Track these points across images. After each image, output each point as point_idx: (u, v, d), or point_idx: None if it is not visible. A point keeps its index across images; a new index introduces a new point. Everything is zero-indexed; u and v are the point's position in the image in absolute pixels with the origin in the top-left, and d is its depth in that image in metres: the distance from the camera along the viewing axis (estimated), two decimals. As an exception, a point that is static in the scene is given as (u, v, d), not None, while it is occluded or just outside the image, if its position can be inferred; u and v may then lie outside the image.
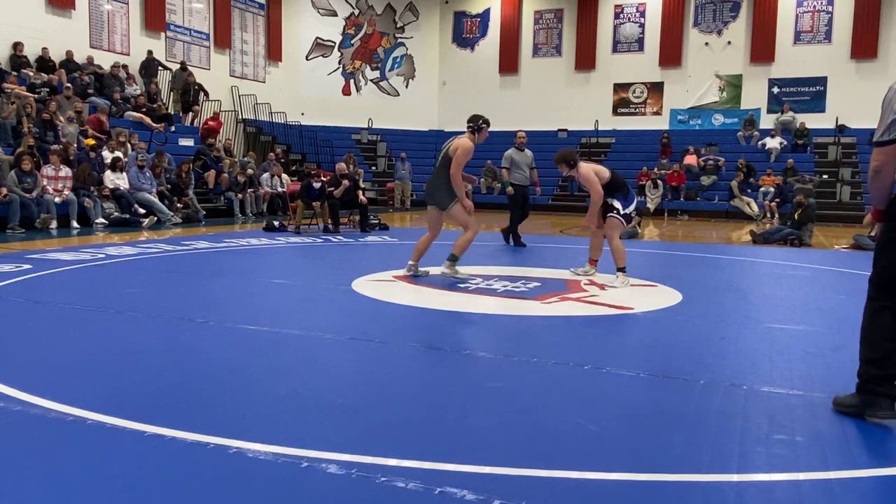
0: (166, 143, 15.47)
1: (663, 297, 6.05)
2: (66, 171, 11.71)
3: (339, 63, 24.25)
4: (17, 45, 14.56)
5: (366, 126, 23.61)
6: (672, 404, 3.19)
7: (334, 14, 24.04)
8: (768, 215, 16.84)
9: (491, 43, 24.11)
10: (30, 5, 15.21)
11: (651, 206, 18.69)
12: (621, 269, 6.68)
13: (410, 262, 6.90)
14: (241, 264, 7.82)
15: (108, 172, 12.60)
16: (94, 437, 2.64)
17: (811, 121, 20.40)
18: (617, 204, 6.81)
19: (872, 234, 6.81)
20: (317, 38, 23.83)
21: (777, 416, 3.02)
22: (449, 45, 24.82)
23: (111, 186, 12.35)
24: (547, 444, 2.68)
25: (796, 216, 11.57)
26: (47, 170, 11.52)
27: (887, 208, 2.99)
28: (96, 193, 12.01)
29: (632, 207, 6.93)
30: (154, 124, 15.87)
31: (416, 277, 6.76)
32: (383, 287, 6.28)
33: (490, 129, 6.79)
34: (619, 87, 22.80)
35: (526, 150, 10.34)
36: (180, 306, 5.24)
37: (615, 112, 22.81)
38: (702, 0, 21.69)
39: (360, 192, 12.55)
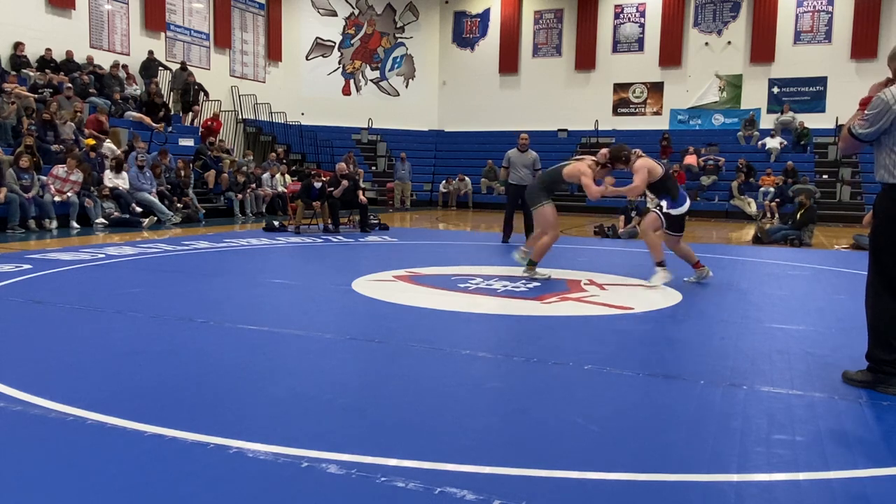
0: (166, 142, 15.47)
1: (663, 297, 6.05)
2: (77, 176, 11.62)
3: (339, 63, 24.24)
4: (17, 45, 14.57)
5: (366, 126, 23.59)
6: (672, 404, 3.19)
7: (334, 14, 24.03)
8: (768, 215, 16.83)
9: (491, 43, 24.08)
10: (30, 5, 15.21)
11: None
12: (659, 264, 6.65)
13: (526, 255, 7.21)
14: (241, 264, 7.82)
15: (107, 172, 12.59)
16: (94, 437, 2.64)
17: (811, 121, 20.39)
18: (663, 203, 6.76)
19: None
20: (317, 38, 23.82)
21: (777, 416, 3.02)
22: (449, 45, 24.79)
23: (111, 186, 12.34)
24: (547, 444, 2.68)
25: (798, 216, 11.56)
26: (59, 170, 11.46)
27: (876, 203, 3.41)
28: (96, 193, 11.99)
29: (682, 209, 6.73)
30: (154, 124, 15.87)
31: (526, 279, 6.84)
32: (383, 287, 6.28)
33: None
34: (619, 87, 22.78)
35: (529, 151, 10.52)
36: (180, 306, 5.24)
37: (615, 112, 22.79)
38: (702, 0, 21.69)
39: (360, 192, 12.54)
